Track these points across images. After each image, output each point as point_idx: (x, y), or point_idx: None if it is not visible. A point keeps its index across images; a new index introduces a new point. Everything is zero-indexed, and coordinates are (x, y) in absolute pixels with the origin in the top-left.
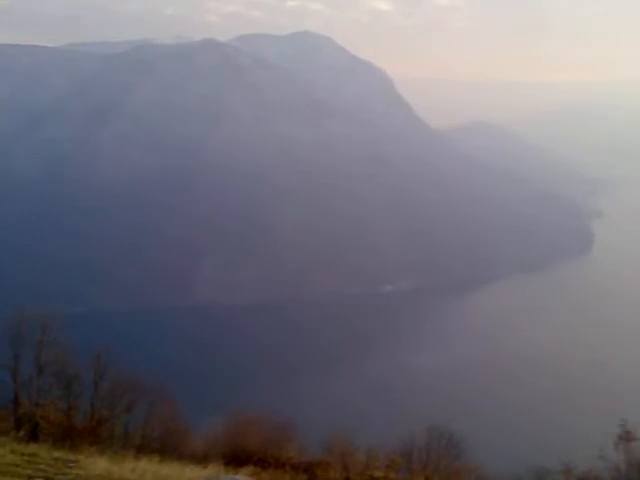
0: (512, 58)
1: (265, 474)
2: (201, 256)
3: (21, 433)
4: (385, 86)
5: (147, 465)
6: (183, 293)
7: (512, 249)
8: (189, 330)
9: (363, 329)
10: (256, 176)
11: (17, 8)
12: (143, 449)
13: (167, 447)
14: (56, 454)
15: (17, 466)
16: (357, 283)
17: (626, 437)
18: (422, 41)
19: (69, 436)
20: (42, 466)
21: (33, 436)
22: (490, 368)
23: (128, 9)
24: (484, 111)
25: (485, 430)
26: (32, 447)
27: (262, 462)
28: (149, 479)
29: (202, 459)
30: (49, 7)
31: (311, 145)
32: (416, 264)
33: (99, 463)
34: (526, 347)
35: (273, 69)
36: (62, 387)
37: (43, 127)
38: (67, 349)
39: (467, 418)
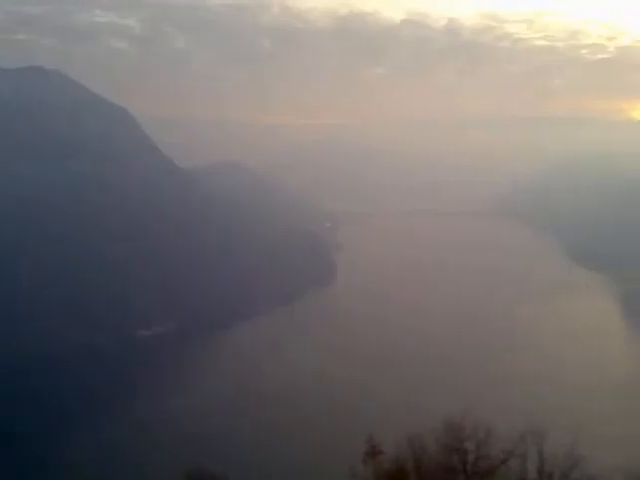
0: (251, 100)
1: None
2: None
3: None
4: (128, 124)
5: None
6: None
7: (261, 285)
8: None
9: (106, 383)
10: None
11: None
12: None
13: None
14: None
15: None
16: (108, 331)
17: (372, 452)
18: (164, 80)
19: None
20: None
21: None
22: (243, 406)
23: None
24: (231, 151)
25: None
26: None
27: None
28: None
29: None
30: None
31: (46, 186)
32: (173, 306)
33: None
34: (284, 377)
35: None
36: None
37: None
38: None
39: (220, 459)
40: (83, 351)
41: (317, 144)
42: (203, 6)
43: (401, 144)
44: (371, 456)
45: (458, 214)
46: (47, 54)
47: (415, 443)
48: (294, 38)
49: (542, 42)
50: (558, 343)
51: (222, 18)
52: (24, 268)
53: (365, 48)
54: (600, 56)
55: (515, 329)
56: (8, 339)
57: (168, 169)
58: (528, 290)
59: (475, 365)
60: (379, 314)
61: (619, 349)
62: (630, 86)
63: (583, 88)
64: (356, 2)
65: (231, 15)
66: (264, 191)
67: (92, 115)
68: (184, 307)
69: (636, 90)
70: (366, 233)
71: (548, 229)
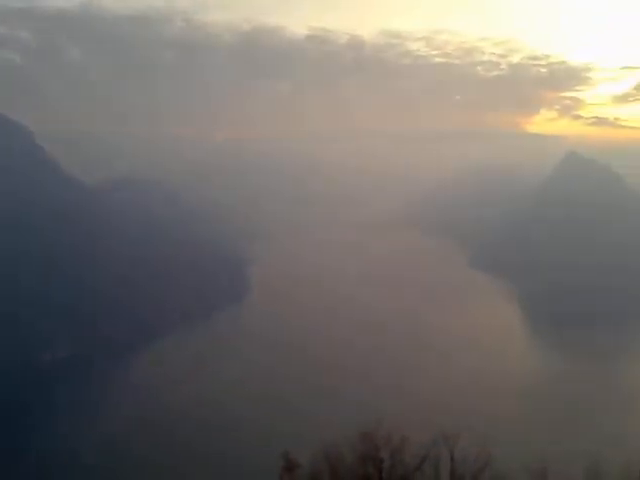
0: (151, 113)
1: None
2: None
3: None
4: (25, 140)
5: None
6: None
7: (175, 303)
8: None
9: None
10: None
11: None
12: None
13: None
14: None
15: None
16: (4, 354)
17: (288, 467)
18: (60, 93)
19: None
20: None
21: None
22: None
23: None
24: (136, 165)
25: None
26: None
27: None
28: None
29: None
30: None
31: None
32: (80, 327)
33: None
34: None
35: None
36: None
37: None
38: None
39: None
40: None
41: (222, 158)
42: (101, 18)
43: (308, 158)
44: (287, 471)
45: (364, 226)
46: None
47: (331, 454)
48: (197, 51)
49: (441, 59)
50: (458, 346)
51: (122, 30)
52: None
53: (270, 63)
54: (494, 73)
55: (420, 334)
56: None
57: (70, 185)
58: (433, 296)
59: (381, 367)
60: (289, 323)
61: (516, 350)
62: (522, 101)
63: (480, 103)
64: (259, 18)
65: (132, 27)
66: (170, 206)
67: None
68: (92, 327)
69: (528, 105)
70: (277, 247)
71: (449, 238)
